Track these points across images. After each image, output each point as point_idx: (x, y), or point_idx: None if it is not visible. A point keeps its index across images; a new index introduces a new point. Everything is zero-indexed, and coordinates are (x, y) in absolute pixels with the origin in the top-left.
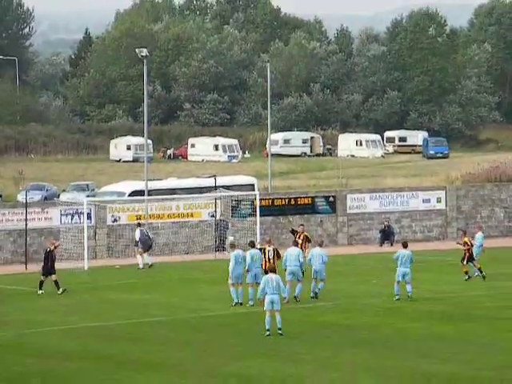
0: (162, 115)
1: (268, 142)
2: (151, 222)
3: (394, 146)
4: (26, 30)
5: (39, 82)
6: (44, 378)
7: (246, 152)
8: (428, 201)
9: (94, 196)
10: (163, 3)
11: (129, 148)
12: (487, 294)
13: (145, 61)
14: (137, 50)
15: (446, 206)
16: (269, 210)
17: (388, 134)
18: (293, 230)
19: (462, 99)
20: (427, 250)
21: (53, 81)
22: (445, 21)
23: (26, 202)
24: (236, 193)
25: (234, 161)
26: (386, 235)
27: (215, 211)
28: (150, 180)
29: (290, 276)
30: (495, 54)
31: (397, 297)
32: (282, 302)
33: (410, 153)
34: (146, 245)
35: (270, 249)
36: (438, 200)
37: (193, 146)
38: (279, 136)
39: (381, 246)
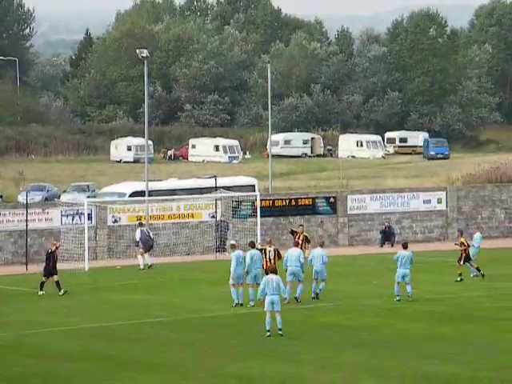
0: (163, 116)
1: (268, 143)
2: (152, 222)
3: (394, 146)
4: (27, 30)
5: (40, 83)
6: (44, 378)
7: (247, 153)
8: (429, 201)
9: (94, 197)
10: (164, 4)
11: (129, 149)
12: (487, 294)
13: (145, 61)
14: (137, 51)
15: (447, 206)
16: (269, 210)
17: (388, 134)
18: (292, 230)
19: (463, 100)
20: (428, 250)
21: (53, 81)
22: (445, 21)
23: (27, 203)
24: (236, 193)
25: (235, 161)
26: (387, 236)
27: (216, 212)
28: (151, 181)
29: (291, 277)
30: (496, 54)
31: (397, 297)
32: (282, 303)
33: (410, 153)
34: (147, 245)
35: (270, 249)
36: (439, 201)
37: (193, 146)
38: (280, 137)
39: (381, 246)
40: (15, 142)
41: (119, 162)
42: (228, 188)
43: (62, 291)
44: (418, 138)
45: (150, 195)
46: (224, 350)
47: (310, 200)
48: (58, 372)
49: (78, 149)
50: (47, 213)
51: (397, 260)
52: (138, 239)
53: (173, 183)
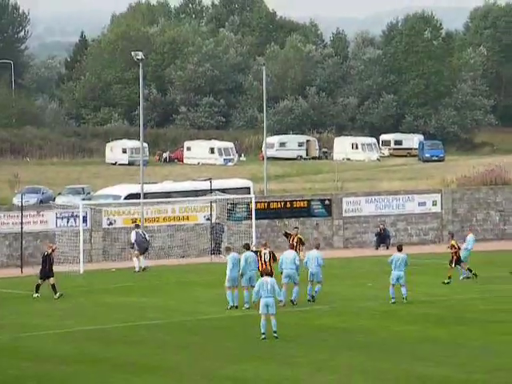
0: (158, 118)
1: (264, 145)
2: (147, 225)
3: (389, 149)
4: (22, 33)
5: (35, 85)
6: (40, 381)
7: (242, 155)
8: (423, 204)
9: (89, 199)
10: (159, 6)
11: (124, 151)
12: (481, 297)
13: (140, 64)
14: (132, 53)
15: (442, 209)
16: (264, 213)
17: (384, 137)
18: (286, 232)
19: (458, 102)
20: (423, 253)
21: (48, 84)
22: (440, 24)
23: (22, 205)
24: (232, 196)
25: (230, 164)
26: (382, 238)
27: (211, 214)
28: (146, 183)
29: (287, 279)
30: (490, 57)
31: (393, 300)
32: (277, 306)
33: (405, 156)
34: (142, 247)
35: (265, 252)
36: (434, 203)
37: (188, 149)
38: (275, 139)
39: (376, 249)
40: (10, 144)
41: (114, 164)
42: (223, 190)
43: (58, 294)
44: (413, 140)
45: (145, 198)
46: (219, 352)
47: (305, 202)
48: (53, 375)
49: (73, 151)
50: (42, 215)
51: (391, 262)
52: (133, 241)
53: (168, 186)
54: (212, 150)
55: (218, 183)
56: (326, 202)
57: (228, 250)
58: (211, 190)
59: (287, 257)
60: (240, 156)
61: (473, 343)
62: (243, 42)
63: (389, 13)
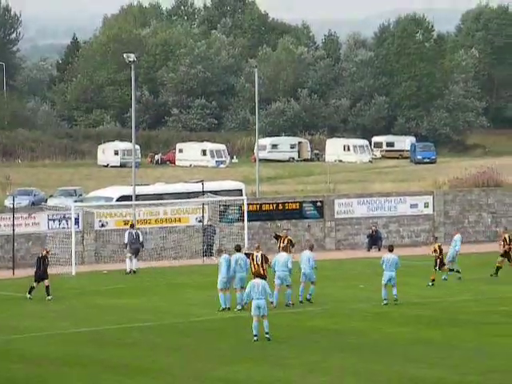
0: (150, 120)
1: (256, 147)
2: (139, 227)
3: (381, 151)
4: (14, 35)
5: (27, 87)
6: (30, 383)
7: (234, 157)
8: (415, 206)
9: (81, 201)
10: (151, 8)
11: (116, 153)
12: (474, 298)
13: (132, 66)
14: (124, 55)
15: (434, 210)
16: (256, 215)
17: (376, 139)
18: (276, 234)
19: (450, 104)
20: (415, 254)
21: (40, 86)
22: (432, 26)
23: (14, 208)
24: (224, 198)
25: (222, 166)
26: (374, 240)
27: (203, 216)
28: (138, 185)
29: (279, 281)
30: (482, 59)
31: (384, 301)
32: (269, 307)
33: (397, 158)
34: (133, 248)
35: (257, 254)
36: (426, 205)
37: (180, 151)
38: (267, 141)
39: (368, 250)
40: (2, 146)
41: (106, 166)
42: (215, 192)
43: (50, 296)
44: (404, 142)
45: (137, 200)
46: (211, 354)
47: (297, 204)
48: (45, 377)
49: (64, 153)
50: (34, 217)
51: (382, 263)
52: (125, 241)
53: (160, 188)
54: (204, 152)
55: (210, 185)
56: (318, 203)
57: (220, 252)
58: (203, 192)
59: (279, 259)
60: (232, 158)
61: (466, 345)
62: (235, 44)
63: (381, 15)
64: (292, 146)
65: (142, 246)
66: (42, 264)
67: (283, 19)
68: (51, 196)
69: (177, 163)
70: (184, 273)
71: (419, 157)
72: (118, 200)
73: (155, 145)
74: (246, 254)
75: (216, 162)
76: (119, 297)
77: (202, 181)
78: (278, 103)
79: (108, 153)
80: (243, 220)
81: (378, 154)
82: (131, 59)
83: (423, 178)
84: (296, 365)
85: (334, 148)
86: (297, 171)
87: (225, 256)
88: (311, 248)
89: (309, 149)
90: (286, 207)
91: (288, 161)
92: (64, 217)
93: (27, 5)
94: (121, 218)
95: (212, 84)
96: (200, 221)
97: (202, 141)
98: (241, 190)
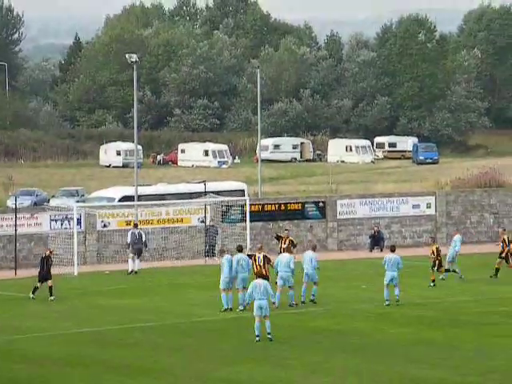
0: (152, 121)
1: (258, 148)
2: (141, 227)
3: (383, 151)
4: (16, 35)
5: (29, 88)
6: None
7: (236, 157)
8: (418, 206)
9: (83, 201)
10: (153, 9)
11: (118, 153)
12: (475, 299)
13: (135, 66)
14: (127, 56)
15: (436, 211)
16: (259, 215)
17: (378, 139)
18: (277, 235)
19: (452, 105)
20: (417, 255)
21: (42, 86)
22: (434, 26)
23: (16, 208)
24: (226, 198)
25: (224, 166)
26: (376, 241)
27: (205, 217)
28: (140, 185)
29: (281, 281)
30: (485, 59)
31: (387, 302)
32: (270, 307)
33: (399, 158)
34: (135, 248)
35: (259, 255)
36: (428, 205)
37: (183, 151)
38: (269, 141)
39: (370, 251)
40: (4, 146)
41: (108, 166)
42: (217, 193)
43: (53, 297)
44: (407, 142)
45: (139, 200)
46: (213, 354)
47: (300, 205)
48: (47, 377)
49: (67, 153)
50: (36, 218)
51: (384, 264)
52: (128, 241)
53: (162, 188)
54: (206, 153)
55: (212, 185)
56: (320, 204)
57: (222, 252)
58: (205, 193)
59: (282, 260)
60: (234, 158)
61: (467, 345)
62: (237, 44)
63: (383, 15)
64: (294, 147)
65: (146, 246)
66: (45, 264)
67: (285, 19)
68: (53, 196)
69: (179, 163)
70: (186, 273)
71: (421, 157)
72: (120, 200)
73: (157, 145)
74: (248, 255)
75: (218, 162)
76: (121, 297)
77: (204, 181)
78: (280, 104)
79: (110, 153)
80: (245, 220)
81: (380, 154)
82: (133, 59)
83: (425, 178)
84: (298, 365)
85: (336, 148)
86: (299, 172)
87: (227, 256)
88: (314, 248)
89: (311, 149)
90: (288, 208)
91: (290, 161)
92: (66, 217)
93: (30, 5)
94: (123, 218)
95: (214, 84)
96: (202, 221)
97: (204, 141)
98: (243, 191)
